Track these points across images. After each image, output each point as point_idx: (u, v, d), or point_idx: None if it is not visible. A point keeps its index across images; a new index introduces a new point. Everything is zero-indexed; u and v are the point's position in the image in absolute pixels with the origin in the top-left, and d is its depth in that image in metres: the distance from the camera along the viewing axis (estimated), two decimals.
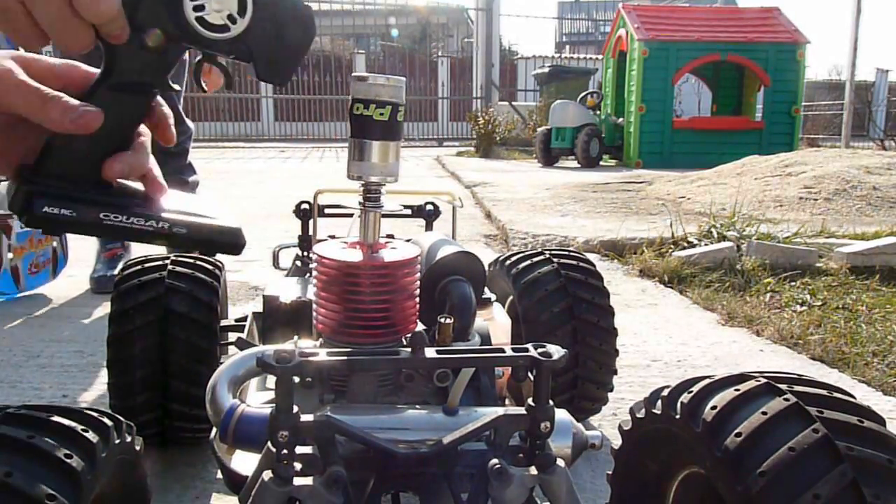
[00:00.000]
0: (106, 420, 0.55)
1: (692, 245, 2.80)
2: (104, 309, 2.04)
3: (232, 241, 0.62)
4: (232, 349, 1.15)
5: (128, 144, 0.60)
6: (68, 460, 0.48)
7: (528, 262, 1.20)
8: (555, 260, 1.19)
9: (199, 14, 0.55)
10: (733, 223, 2.94)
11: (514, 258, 1.23)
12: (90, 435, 0.52)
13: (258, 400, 0.78)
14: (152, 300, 1.06)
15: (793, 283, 2.37)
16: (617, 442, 0.71)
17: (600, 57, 10.34)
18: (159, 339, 1.04)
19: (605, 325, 1.15)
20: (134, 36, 0.55)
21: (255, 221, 3.67)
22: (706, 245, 2.73)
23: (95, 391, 1.47)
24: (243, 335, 1.00)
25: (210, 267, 1.15)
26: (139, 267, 1.12)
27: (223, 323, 1.20)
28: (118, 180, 0.59)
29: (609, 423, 1.32)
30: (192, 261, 1.14)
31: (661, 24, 7.99)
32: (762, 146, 7.26)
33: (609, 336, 1.16)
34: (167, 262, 1.12)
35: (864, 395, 1.50)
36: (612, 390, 1.20)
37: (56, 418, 0.52)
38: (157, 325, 1.05)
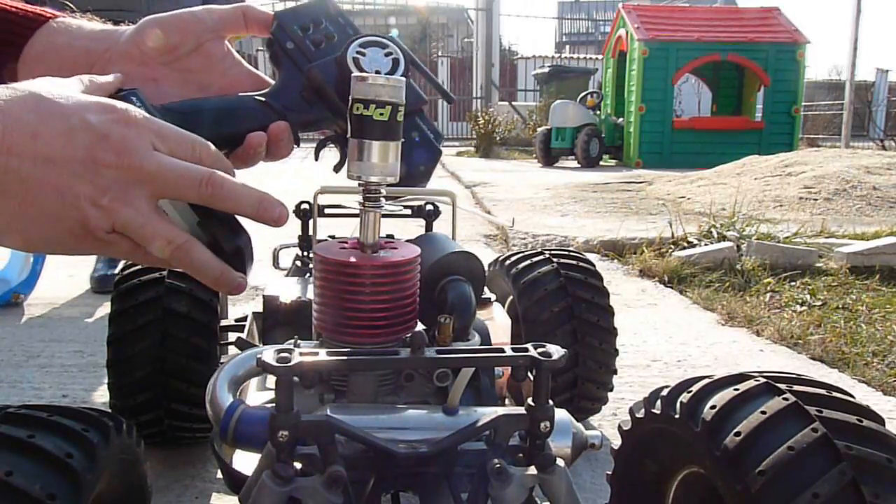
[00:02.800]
0: (106, 420, 0.55)
1: (692, 245, 2.80)
2: (104, 309, 2.04)
3: (224, 243, 0.61)
4: (232, 349, 1.15)
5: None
6: (69, 460, 0.48)
7: (528, 262, 1.20)
8: (554, 260, 1.19)
9: None
10: (733, 223, 2.94)
11: (513, 258, 1.23)
12: (91, 434, 0.52)
13: (258, 400, 0.78)
14: (152, 300, 1.06)
15: (793, 283, 2.37)
16: (617, 442, 0.71)
17: (600, 57, 10.34)
18: (159, 339, 1.04)
19: (605, 324, 1.15)
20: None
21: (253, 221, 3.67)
22: (706, 245, 2.73)
23: (95, 391, 1.47)
24: (243, 335, 1.00)
25: None
26: (139, 267, 1.12)
27: (223, 323, 1.20)
28: None
29: (609, 423, 1.32)
30: None
31: (661, 24, 7.99)
32: (762, 146, 7.26)
33: (609, 335, 1.16)
34: None
35: (864, 396, 1.50)
36: (611, 390, 1.20)
37: (56, 418, 0.52)
38: (156, 324, 1.05)
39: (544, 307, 1.13)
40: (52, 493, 0.45)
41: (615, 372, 1.19)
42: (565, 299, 1.13)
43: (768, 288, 2.33)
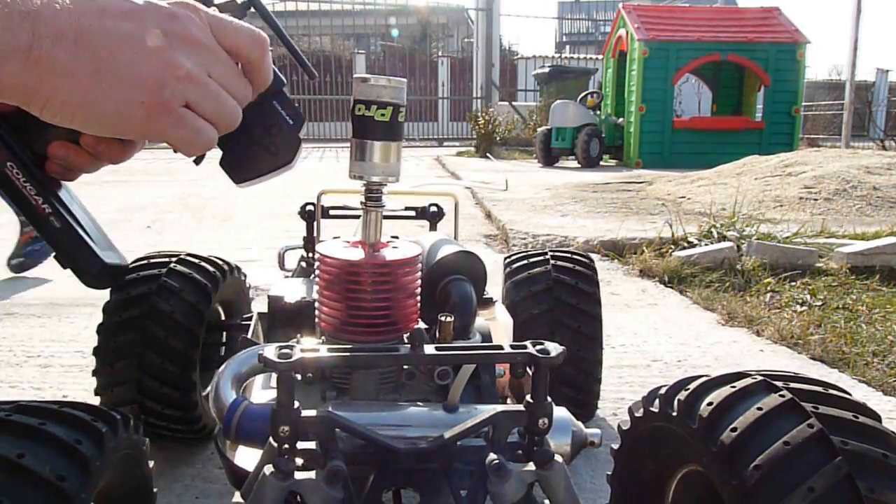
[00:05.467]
0: (114, 414, 0.57)
1: (692, 245, 2.80)
2: None
3: (86, 268, 0.61)
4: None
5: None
6: (78, 445, 0.50)
7: (524, 262, 1.19)
8: (551, 262, 1.17)
9: None
10: (733, 223, 2.95)
11: (511, 258, 1.22)
12: (99, 425, 0.53)
13: (263, 397, 0.79)
14: (142, 295, 1.05)
15: (793, 283, 2.38)
16: (617, 442, 0.72)
17: (600, 57, 10.34)
18: (140, 335, 1.04)
19: (588, 331, 1.11)
20: None
21: (254, 221, 3.68)
22: (706, 245, 2.74)
23: None
24: (248, 335, 1.00)
25: (212, 269, 1.13)
26: (145, 262, 1.12)
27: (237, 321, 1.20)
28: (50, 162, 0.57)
29: (609, 423, 1.32)
30: (196, 261, 1.13)
31: (661, 24, 7.99)
32: (762, 146, 7.26)
33: (591, 343, 1.12)
34: (172, 259, 1.12)
35: (865, 396, 1.50)
36: (597, 397, 1.18)
37: (67, 409, 0.54)
38: (140, 320, 1.04)
39: (525, 309, 1.11)
40: (61, 474, 0.47)
41: (599, 380, 1.16)
42: (547, 302, 1.11)
43: (768, 288, 2.34)
